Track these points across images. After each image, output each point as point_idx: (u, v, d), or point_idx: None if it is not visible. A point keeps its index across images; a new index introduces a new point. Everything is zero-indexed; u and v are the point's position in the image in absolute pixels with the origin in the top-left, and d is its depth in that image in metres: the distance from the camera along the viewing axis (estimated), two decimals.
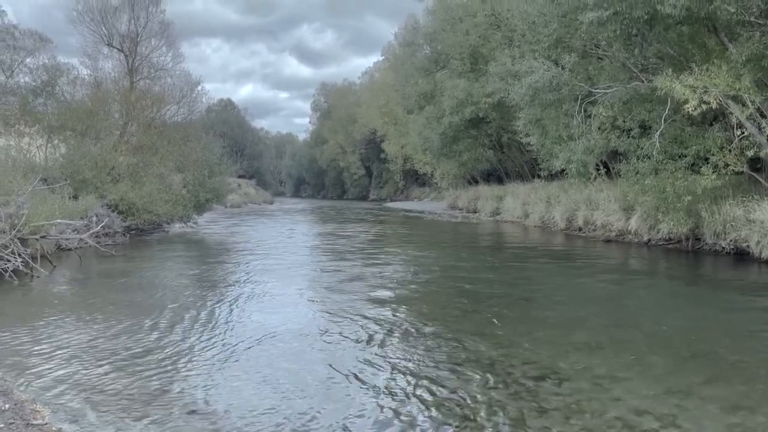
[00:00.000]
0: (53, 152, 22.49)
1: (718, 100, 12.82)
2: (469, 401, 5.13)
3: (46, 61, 23.28)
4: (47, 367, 6.01)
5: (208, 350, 6.65)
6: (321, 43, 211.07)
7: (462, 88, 31.34)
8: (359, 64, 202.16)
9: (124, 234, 19.36)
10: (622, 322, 8.08)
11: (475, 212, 34.99)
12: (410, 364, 6.15)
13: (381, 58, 68.00)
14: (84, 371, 5.87)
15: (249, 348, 6.75)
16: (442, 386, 5.51)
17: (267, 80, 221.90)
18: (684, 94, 12.84)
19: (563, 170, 19.56)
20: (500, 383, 5.56)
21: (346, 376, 5.77)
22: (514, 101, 21.14)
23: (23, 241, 12.20)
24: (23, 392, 5.16)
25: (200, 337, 7.21)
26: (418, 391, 5.37)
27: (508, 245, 19.60)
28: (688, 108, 12.79)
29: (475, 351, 6.60)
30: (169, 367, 6.04)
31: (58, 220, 14.34)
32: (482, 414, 4.86)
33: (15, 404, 4.73)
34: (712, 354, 6.58)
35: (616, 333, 7.43)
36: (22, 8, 77.50)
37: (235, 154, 47.89)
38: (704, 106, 12.72)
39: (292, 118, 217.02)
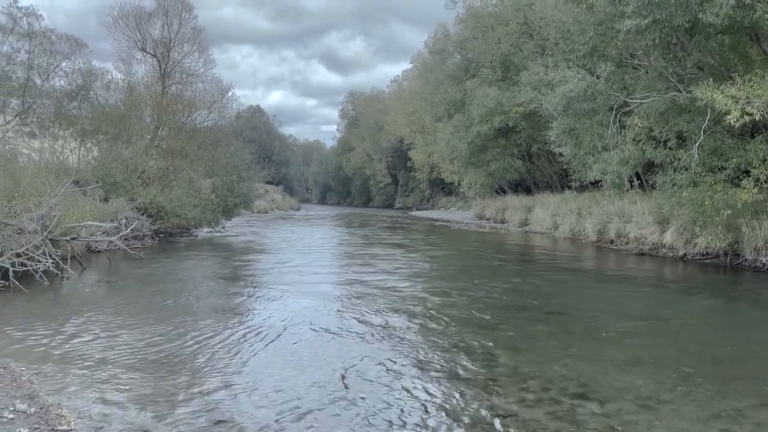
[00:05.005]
0: (86, 155, 22.82)
1: (761, 112, 12.40)
2: (503, 419, 4.90)
3: (82, 65, 23.57)
4: (74, 370, 5.93)
5: (235, 355, 6.53)
6: (350, 51, 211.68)
7: (492, 96, 31.02)
8: (388, 72, 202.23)
9: (152, 237, 19.48)
10: (662, 339, 7.76)
11: (503, 222, 34.57)
12: (441, 377, 5.94)
13: (410, 66, 68.02)
14: (111, 375, 5.78)
15: (276, 354, 6.61)
16: (474, 401, 5.29)
17: (296, 87, 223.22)
18: (726, 105, 12.44)
19: (595, 181, 19.15)
20: (536, 401, 5.32)
21: (376, 386, 5.59)
22: (546, 111, 20.83)
23: (54, 242, 12.29)
24: (49, 396, 5.07)
25: (227, 341, 7.09)
26: (447, 405, 5.17)
27: (538, 256, 19.24)
28: (729, 119, 12.39)
29: (510, 365, 6.37)
30: (197, 373, 5.93)
31: (89, 222, 14.45)
32: None
33: (41, 408, 4.63)
34: (761, 376, 6.25)
35: (656, 350, 7.12)
36: (57, 15, 79.51)
37: (263, 160, 48.05)
38: (747, 118, 12.32)
39: (319, 126, 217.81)
